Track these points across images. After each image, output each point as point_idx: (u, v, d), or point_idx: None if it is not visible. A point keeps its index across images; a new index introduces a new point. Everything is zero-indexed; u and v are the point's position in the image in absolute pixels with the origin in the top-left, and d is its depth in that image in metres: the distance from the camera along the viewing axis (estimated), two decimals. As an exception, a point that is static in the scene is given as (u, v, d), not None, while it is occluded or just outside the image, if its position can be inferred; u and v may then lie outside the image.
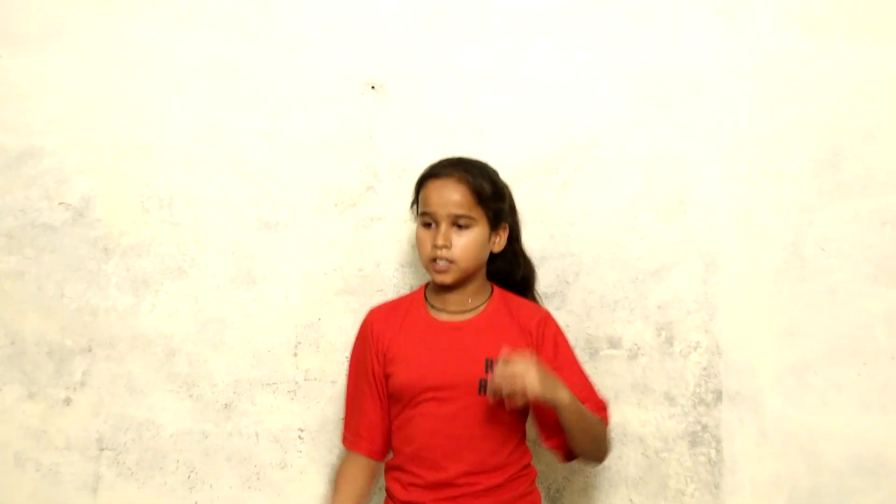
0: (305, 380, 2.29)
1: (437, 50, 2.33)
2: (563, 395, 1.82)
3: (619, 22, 2.33)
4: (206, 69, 2.33)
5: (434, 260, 1.94)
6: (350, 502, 1.99)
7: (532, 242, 2.22)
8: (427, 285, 2.07)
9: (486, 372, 1.91)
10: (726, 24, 2.32)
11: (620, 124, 2.33)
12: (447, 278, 1.95)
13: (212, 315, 2.31)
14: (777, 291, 2.31)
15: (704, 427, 2.29)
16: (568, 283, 2.31)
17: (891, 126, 2.30)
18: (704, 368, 2.29)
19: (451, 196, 1.94)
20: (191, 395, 2.31)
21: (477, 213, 1.95)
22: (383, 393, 2.01)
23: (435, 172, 1.99)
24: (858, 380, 2.28)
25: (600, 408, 1.99)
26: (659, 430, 2.29)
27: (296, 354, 2.30)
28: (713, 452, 2.28)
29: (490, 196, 1.97)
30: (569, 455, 1.98)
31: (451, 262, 1.94)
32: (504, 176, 2.08)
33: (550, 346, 1.99)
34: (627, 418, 2.29)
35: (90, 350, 2.30)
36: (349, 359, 2.09)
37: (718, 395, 2.29)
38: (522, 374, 1.77)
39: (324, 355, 2.29)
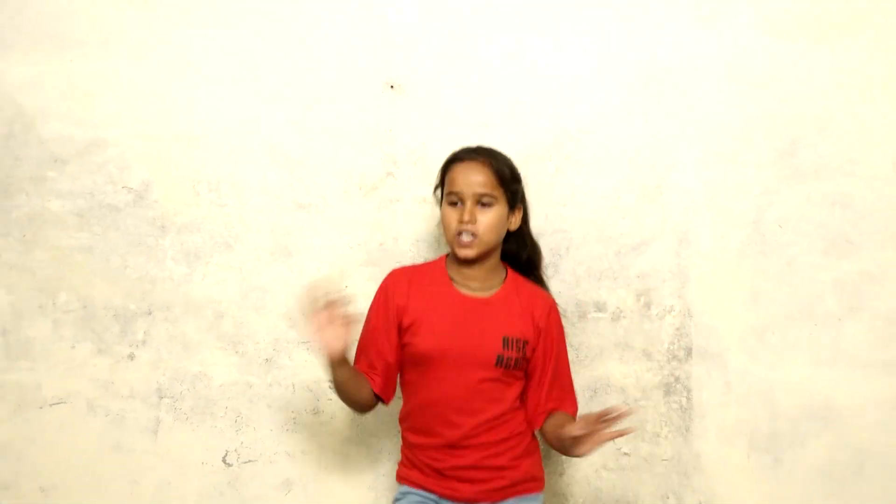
0: (334, 338, 2.13)
1: (448, 54, 2.36)
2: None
3: (609, 23, 2.34)
4: (247, 70, 2.37)
5: (460, 234, 1.94)
6: (355, 375, 1.96)
7: (530, 221, 2.19)
8: (446, 260, 2.04)
9: (503, 349, 1.96)
10: (704, 27, 2.33)
11: (606, 117, 2.34)
12: (470, 252, 1.95)
13: (254, 283, 2.36)
14: (741, 263, 2.35)
15: (677, 379, 2.35)
16: (560, 255, 2.36)
17: (841, 119, 2.33)
18: (677, 329, 2.35)
19: (476, 177, 1.96)
20: (237, 352, 2.37)
21: (498, 194, 1.97)
22: (397, 342, 2.01)
23: (461, 157, 2.01)
24: (810, 339, 2.34)
25: (572, 408, 2.06)
26: (638, 381, 2.36)
27: (326, 317, 2.13)
28: (684, 401, 2.34)
29: (509, 179, 2.00)
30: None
31: (474, 236, 1.94)
32: (506, 163, 2.03)
33: (554, 337, 2.03)
34: (611, 372, 2.35)
35: (150, 313, 2.36)
36: (368, 310, 2.03)
37: (689, 352, 2.35)
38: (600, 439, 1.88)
39: (350, 318, 2.14)
